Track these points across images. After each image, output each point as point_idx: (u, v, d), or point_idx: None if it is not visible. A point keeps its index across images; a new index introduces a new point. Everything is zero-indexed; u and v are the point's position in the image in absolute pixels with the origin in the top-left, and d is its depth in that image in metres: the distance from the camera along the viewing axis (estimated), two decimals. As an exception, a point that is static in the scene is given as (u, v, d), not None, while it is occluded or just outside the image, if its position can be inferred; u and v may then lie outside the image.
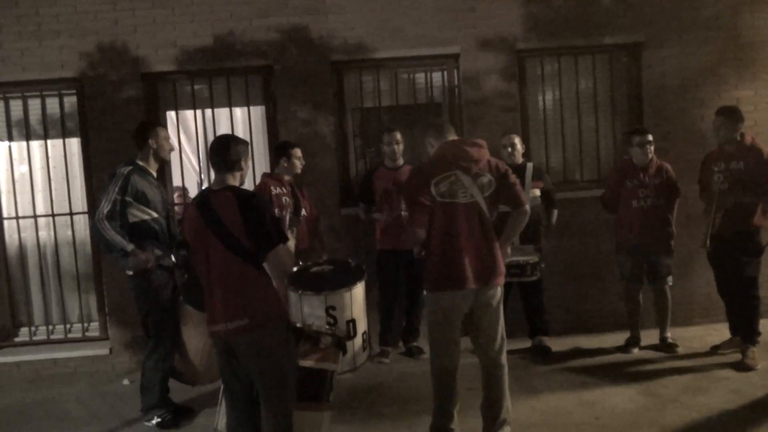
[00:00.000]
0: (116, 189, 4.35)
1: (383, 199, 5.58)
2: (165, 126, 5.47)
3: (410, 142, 5.85)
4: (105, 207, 4.33)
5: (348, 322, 4.16)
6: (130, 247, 4.32)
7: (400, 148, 5.62)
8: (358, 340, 4.28)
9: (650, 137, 5.40)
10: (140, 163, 4.56)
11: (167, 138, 4.72)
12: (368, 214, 5.69)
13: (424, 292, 3.86)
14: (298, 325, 3.56)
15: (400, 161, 5.67)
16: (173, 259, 4.60)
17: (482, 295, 3.74)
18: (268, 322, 3.16)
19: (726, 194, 5.01)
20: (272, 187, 5.18)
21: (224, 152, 3.24)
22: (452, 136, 3.91)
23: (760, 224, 5.04)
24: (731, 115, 5.11)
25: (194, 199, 3.42)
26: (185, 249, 4.74)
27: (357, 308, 4.38)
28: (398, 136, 5.61)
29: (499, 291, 3.83)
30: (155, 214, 4.49)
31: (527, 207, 3.83)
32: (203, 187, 6.76)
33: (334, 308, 4.28)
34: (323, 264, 4.92)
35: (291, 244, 4.34)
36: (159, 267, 4.47)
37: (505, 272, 3.85)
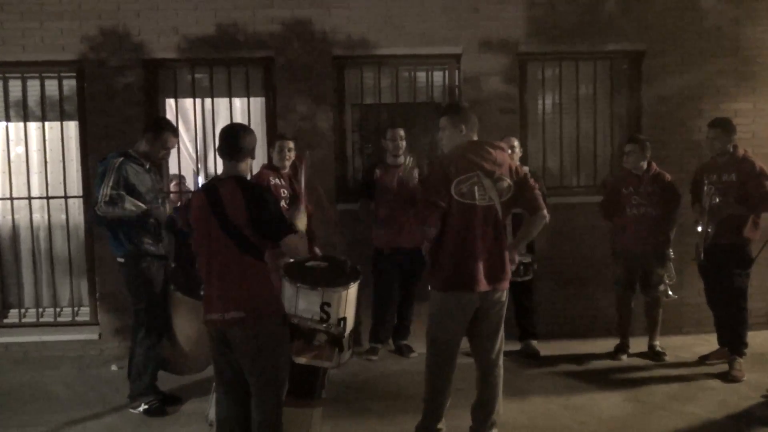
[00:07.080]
0: (110, 183, 4.32)
1: (382, 195, 5.59)
2: (173, 128, 5.09)
3: (410, 140, 5.85)
4: (104, 199, 4.30)
5: (340, 320, 4.16)
6: (142, 208, 4.39)
7: (402, 144, 5.62)
8: (345, 340, 4.27)
9: (638, 146, 5.41)
10: (132, 153, 4.52)
11: (171, 146, 4.69)
12: (366, 210, 5.70)
13: (430, 289, 3.81)
14: (294, 321, 3.55)
15: (401, 159, 5.67)
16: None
17: (490, 298, 3.74)
18: (264, 316, 3.17)
19: (718, 206, 5.04)
20: (270, 178, 5.17)
21: (234, 142, 3.26)
22: (474, 135, 3.82)
23: (750, 236, 5.08)
24: (725, 127, 5.14)
25: (203, 186, 3.43)
26: (173, 237, 4.74)
27: (349, 308, 4.38)
28: (401, 132, 5.62)
29: (505, 294, 3.84)
30: (144, 206, 4.44)
31: (545, 212, 3.80)
32: (199, 176, 6.78)
33: (329, 305, 4.27)
34: (319, 260, 4.91)
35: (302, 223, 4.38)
36: (152, 257, 4.48)
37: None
